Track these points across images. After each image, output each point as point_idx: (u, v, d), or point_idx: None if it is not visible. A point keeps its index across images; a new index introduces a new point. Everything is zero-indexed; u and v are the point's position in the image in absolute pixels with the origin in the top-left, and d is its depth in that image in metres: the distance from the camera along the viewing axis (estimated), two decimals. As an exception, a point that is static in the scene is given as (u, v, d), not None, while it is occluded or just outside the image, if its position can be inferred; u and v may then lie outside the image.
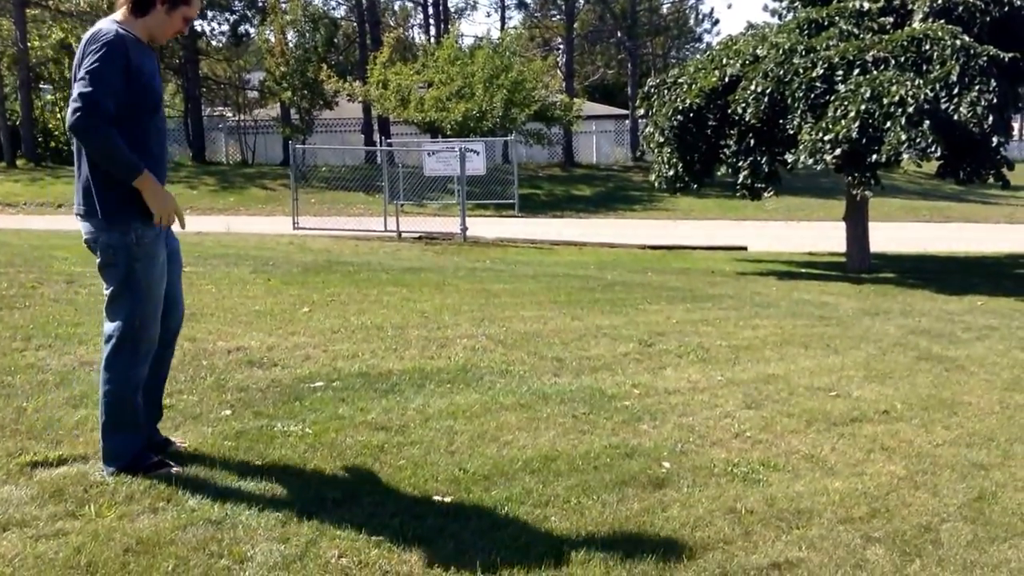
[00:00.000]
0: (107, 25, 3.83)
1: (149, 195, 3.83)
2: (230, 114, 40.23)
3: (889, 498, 4.15)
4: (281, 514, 3.62)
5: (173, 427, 4.57)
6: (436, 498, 3.84)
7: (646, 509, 3.87)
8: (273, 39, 31.40)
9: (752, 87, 13.32)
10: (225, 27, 36.48)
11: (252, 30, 35.62)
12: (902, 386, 6.26)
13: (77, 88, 3.71)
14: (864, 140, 12.19)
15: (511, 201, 25.03)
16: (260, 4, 34.30)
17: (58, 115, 34.29)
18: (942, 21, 13.00)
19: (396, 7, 46.42)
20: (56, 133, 34.19)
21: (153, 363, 4.08)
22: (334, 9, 39.77)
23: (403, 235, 18.38)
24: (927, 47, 12.60)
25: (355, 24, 38.58)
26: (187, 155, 34.03)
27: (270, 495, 3.80)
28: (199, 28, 35.20)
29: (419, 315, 8.14)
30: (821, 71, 12.89)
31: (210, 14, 35.01)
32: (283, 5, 31.27)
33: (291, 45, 31.23)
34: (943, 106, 12.14)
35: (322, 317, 7.81)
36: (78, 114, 3.66)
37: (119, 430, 3.93)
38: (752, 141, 13.76)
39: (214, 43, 38.14)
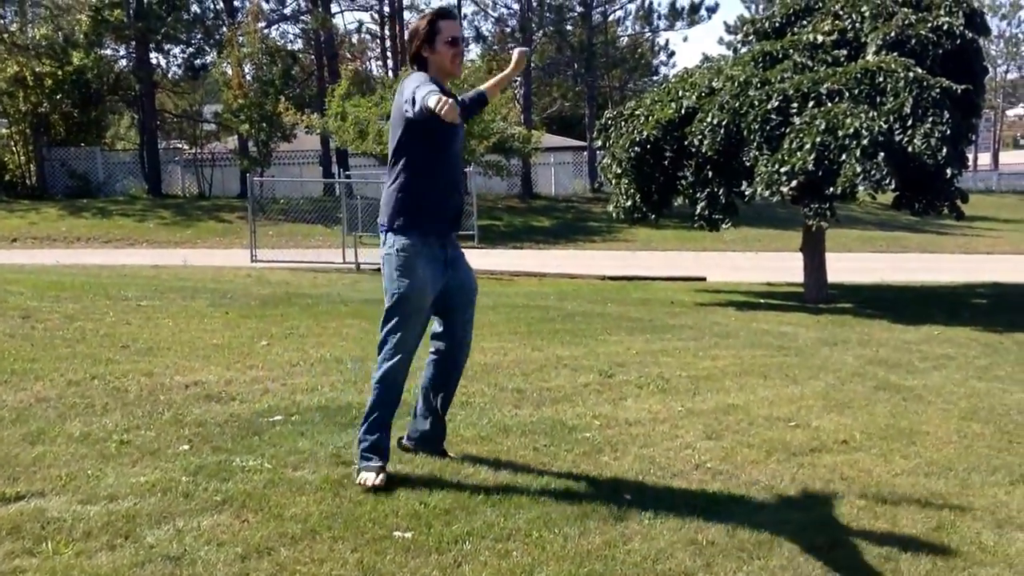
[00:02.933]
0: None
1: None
2: (186, 147, 39.97)
3: (849, 528, 4.17)
4: (240, 550, 3.57)
5: (131, 463, 4.51)
6: (396, 533, 3.81)
7: (608, 542, 3.86)
8: (230, 72, 31.30)
9: (708, 119, 13.45)
10: (181, 60, 36.38)
11: (209, 63, 35.50)
12: (861, 416, 6.31)
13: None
14: (820, 172, 12.33)
15: (470, 232, 25.00)
16: (217, 37, 34.23)
17: (13, 148, 33.88)
18: (895, 54, 13.21)
19: (354, 40, 46.49)
20: (11, 167, 33.79)
21: (440, 380, 4.73)
22: (291, 42, 39.73)
23: (362, 267, 18.32)
24: (881, 79, 12.79)
25: (312, 57, 38.59)
26: (142, 188, 33.73)
27: (229, 531, 3.75)
28: (154, 60, 35.07)
29: (379, 348, 8.09)
30: (776, 103, 13.05)
31: (166, 47, 34.92)
32: (240, 38, 31.21)
33: (248, 78, 31.15)
34: (897, 138, 12.31)
35: (281, 350, 7.75)
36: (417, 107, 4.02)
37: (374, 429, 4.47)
38: (709, 173, 13.88)
39: (170, 76, 37.93)
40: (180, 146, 40.83)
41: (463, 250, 4.70)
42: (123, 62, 35.59)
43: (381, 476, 4.34)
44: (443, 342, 4.71)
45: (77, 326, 8.48)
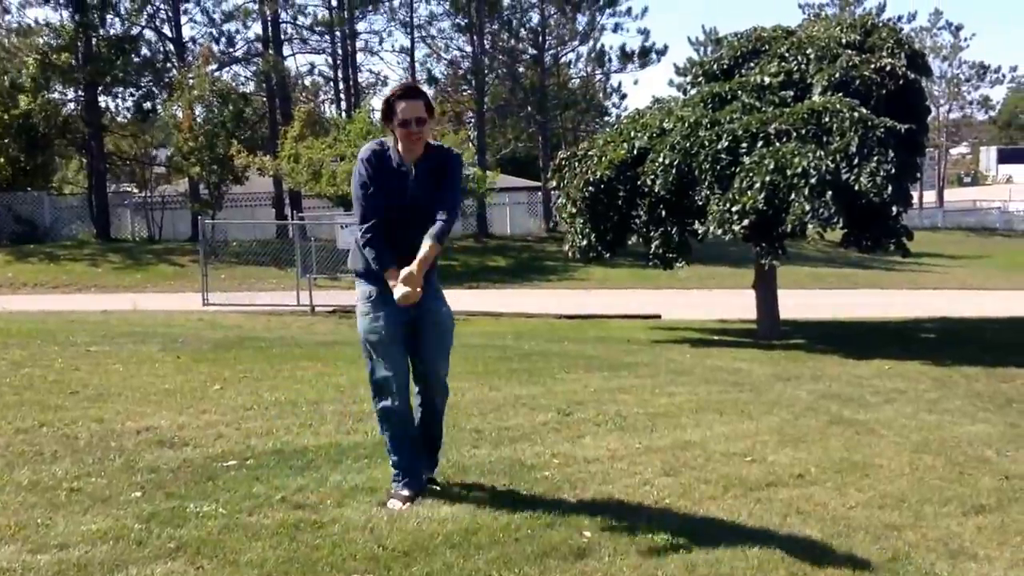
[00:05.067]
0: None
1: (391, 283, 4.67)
2: (136, 190, 39.58)
3: (806, 561, 4.18)
4: (194, 598, 3.51)
5: (82, 511, 4.42)
6: (355, 576, 3.77)
7: (568, 580, 3.84)
8: (181, 114, 31.12)
9: (660, 159, 13.60)
10: (130, 102, 36.11)
11: (159, 105, 35.28)
12: (815, 450, 6.36)
13: None
14: (770, 210, 12.50)
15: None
16: (167, 80, 34.07)
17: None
18: (840, 94, 13.47)
19: (306, 82, 46.47)
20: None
21: (421, 416, 5.06)
22: (243, 84, 39.61)
23: (317, 309, 18.22)
24: (827, 119, 13.02)
25: (264, 99, 38.50)
26: (91, 233, 33.28)
27: (183, 579, 3.69)
28: (103, 103, 34.76)
29: (334, 389, 8.05)
30: (726, 143, 13.23)
31: (115, 90, 34.69)
32: (190, 80, 31.08)
33: (199, 120, 30.99)
34: (844, 177, 12.52)
35: (234, 394, 7.67)
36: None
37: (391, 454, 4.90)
38: (662, 212, 14.02)
39: (119, 119, 37.59)
40: (130, 189, 40.44)
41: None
42: (71, 105, 35.28)
43: (407, 504, 4.66)
44: (419, 385, 5.05)
45: (25, 372, 8.34)
